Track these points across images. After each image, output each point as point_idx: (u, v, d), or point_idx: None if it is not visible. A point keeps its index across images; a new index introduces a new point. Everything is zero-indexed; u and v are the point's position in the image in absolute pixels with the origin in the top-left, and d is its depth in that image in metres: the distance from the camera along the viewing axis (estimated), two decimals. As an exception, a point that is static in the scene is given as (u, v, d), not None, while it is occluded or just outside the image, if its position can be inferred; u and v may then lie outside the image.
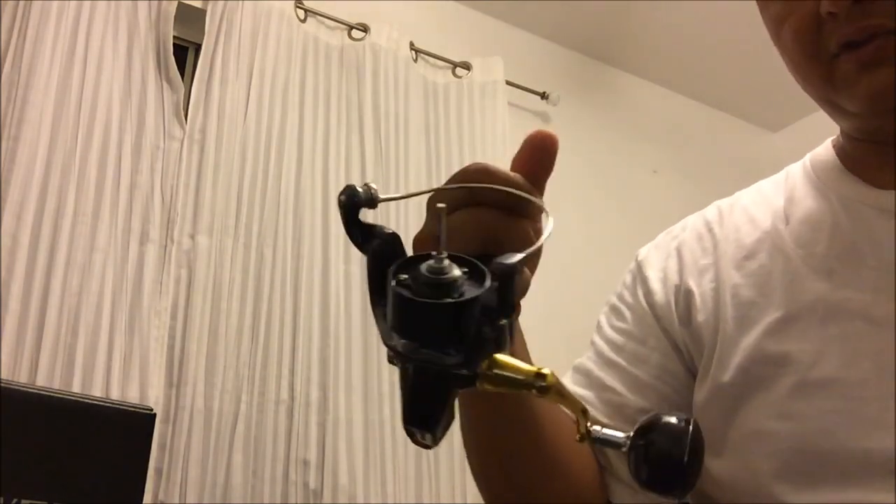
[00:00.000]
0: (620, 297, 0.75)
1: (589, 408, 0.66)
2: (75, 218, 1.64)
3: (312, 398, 1.79)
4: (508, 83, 2.40)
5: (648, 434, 0.35)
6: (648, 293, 0.71)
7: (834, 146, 0.69)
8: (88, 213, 1.66)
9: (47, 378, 1.51)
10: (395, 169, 2.09)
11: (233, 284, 1.79)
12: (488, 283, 0.34)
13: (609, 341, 0.72)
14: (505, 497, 0.64)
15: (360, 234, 0.38)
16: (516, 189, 0.43)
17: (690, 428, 0.35)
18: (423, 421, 0.35)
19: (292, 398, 1.78)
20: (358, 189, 0.39)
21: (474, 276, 0.35)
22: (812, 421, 0.57)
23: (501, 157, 2.26)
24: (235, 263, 1.81)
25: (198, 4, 2.01)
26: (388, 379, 1.89)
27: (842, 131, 0.68)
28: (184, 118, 1.87)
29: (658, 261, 0.73)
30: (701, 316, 0.67)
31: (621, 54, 2.75)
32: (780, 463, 0.57)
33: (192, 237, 1.78)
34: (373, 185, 0.39)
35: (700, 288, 0.68)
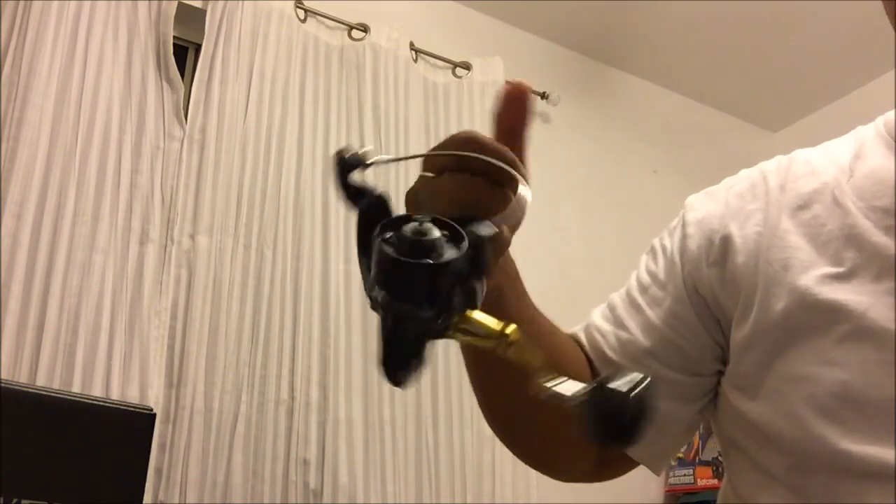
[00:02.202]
0: (660, 240, 0.76)
1: (604, 344, 0.70)
2: (75, 218, 1.64)
3: (312, 398, 1.79)
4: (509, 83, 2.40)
5: (596, 392, 0.37)
6: (684, 237, 0.71)
7: None
8: (88, 214, 1.66)
9: (47, 378, 1.51)
10: (395, 169, 2.09)
11: (233, 284, 1.79)
12: (464, 247, 0.38)
13: (639, 281, 0.74)
14: (503, 422, 0.69)
15: (352, 193, 0.42)
16: (503, 160, 0.46)
17: (637, 387, 0.37)
18: (396, 363, 0.39)
19: (292, 398, 1.78)
20: (348, 152, 0.42)
21: (454, 239, 0.38)
22: (856, 369, 0.57)
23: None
24: (235, 263, 1.81)
25: (198, 4, 2.01)
26: (388, 379, 1.89)
27: None
28: (184, 118, 1.87)
29: (702, 205, 0.73)
30: (740, 258, 0.66)
31: (621, 54, 2.75)
32: (818, 408, 0.57)
33: (192, 237, 1.78)
34: (366, 148, 0.43)
35: (742, 231, 0.67)
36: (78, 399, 0.66)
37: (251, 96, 1.94)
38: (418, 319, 0.37)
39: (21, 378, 1.49)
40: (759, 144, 2.97)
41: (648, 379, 0.37)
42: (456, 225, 0.39)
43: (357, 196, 0.42)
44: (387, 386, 1.88)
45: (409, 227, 0.37)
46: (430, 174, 0.48)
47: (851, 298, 0.58)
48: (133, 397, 1.61)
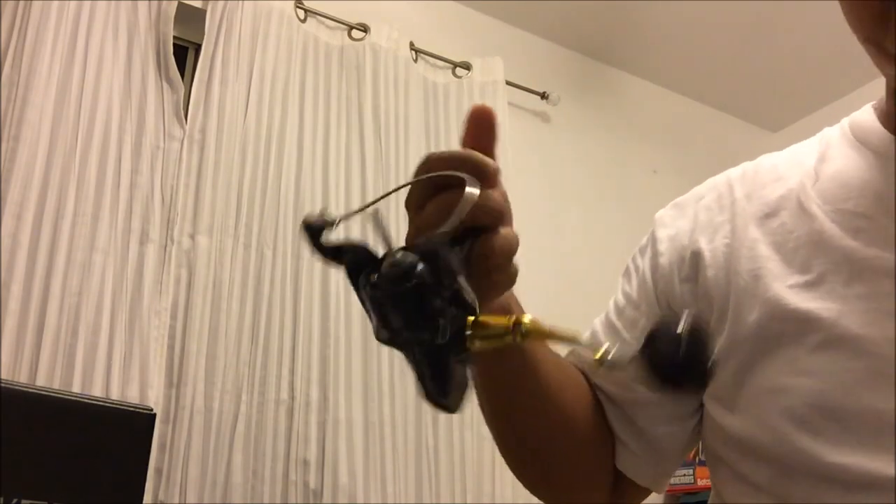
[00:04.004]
0: (633, 260, 0.75)
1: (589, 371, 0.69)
2: (75, 218, 1.64)
3: (312, 398, 1.79)
4: (508, 83, 2.40)
5: (650, 345, 0.39)
6: (655, 254, 0.71)
7: (875, 109, 0.67)
8: (88, 214, 1.66)
9: (47, 378, 1.51)
10: (394, 169, 2.09)
11: (233, 284, 1.79)
12: (441, 261, 0.39)
13: (616, 303, 0.74)
14: (516, 452, 0.69)
15: (330, 255, 0.42)
16: (467, 159, 0.47)
17: (684, 328, 0.39)
18: (434, 390, 0.40)
19: (292, 398, 1.78)
20: (312, 217, 0.43)
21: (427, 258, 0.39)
22: (832, 378, 0.56)
23: (501, 157, 2.25)
24: (235, 263, 1.81)
25: (198, 4, 2.01)
26: (388, 379, 1.89)
27: (887, 91, 0.66)
28: (184, 118, 1.87)
29: (671, 220, 0.73)
30: (710, 271, 0.65)
31: (621, 54, 2.75)
32: (796, 419, 0.57)
33: (192, 237, 1.78)
34: (327, 211, 0.44)
35: (711, 244, 0.67)
36: (78, 399, 0.66)
37: (251, 96, 1.94)
38: (424, 341, 0.38)
39: (21, 378, 1.49)
40: (759, 144, 2.96)
41: (692, 318, 0.39)
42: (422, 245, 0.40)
43: (336, 255, 0.43)
44: (387, 386, 1.88)
45: (385, 264, 0.39)
46: (375, 216, 0.49)
47: (823, 306, 0.57)
48: (133, 397, 1.61)
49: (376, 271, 0.39)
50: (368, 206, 0.51)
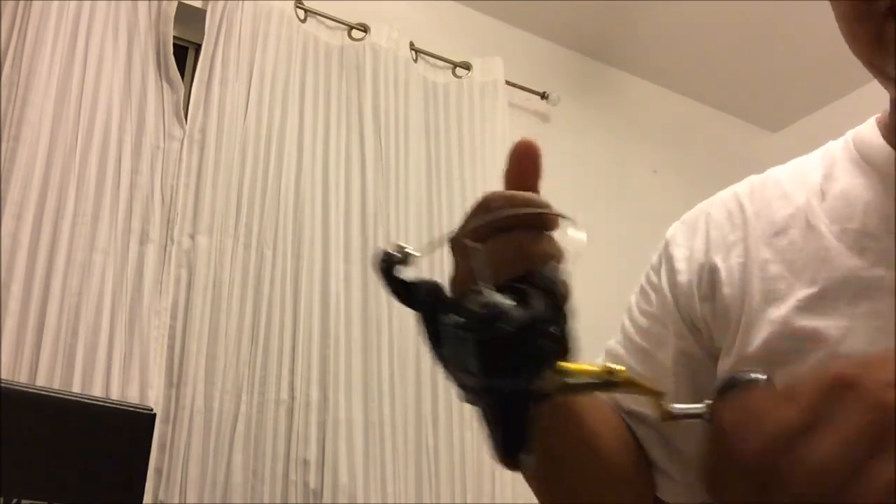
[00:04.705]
0: (647, 279, 0.75)
1: (623, 399, 0.69)
2: (75, 218, 1.64)
3: (312, 398, 1.79)
4: (508, 83, 2.40)
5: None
6: (672, 272, 0.71)
7: (878, 123, 0.67)
8: (88, 214, 1.66)
9: (47, 378, 1.51)
10: (394, 169, 2.09)
11: (233, 284, 1.79)
12: (534, 302, 0.37)
13: (636, 325, 0.74)
14: (554, 494, 0.68)
15: (403, 292, 0.40)
16: (538, 206, 0.45)
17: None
18: (516, 444, 0.38)
19: (292, 398, 1.78)
20: (391, 252, 0.40)
21: (520, 297, 0.37)
22: None
23: (501, 157, 2.26)
24: (235, 263, 1.81)
25: (198, 4, 2.01)
26: (388, 379, 1.89)
27: (891, 105, 0.66)
28: (184, 118, 1.87)
29: (685, 238, 0.73)
30: (727, 290, 0.66)
31: (621, 54, 2.75)
32: None
33: (192, 237, 1.78)
34: (405, 246, 0.41)
35: (727, 263, 0.67)
36: (78, 399, 0.66)
37: (251, 96, 1.94)
38: (517, 390, 0.36)
39: (21, 378, 1.49)
40: (759, 144, 2.97)
41: (769, 378, 0.36)
42: (514, 285, 0.38)
43: (409, 293, 0.40)
44: (387, 386, 1.88)
45: (473, 302, 0.36)
46: (474, 245, 0.45)
47: (828, 324, 0.58)
48: (133, 397, 1.61)
49: (455, 312, 0.37)
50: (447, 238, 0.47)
